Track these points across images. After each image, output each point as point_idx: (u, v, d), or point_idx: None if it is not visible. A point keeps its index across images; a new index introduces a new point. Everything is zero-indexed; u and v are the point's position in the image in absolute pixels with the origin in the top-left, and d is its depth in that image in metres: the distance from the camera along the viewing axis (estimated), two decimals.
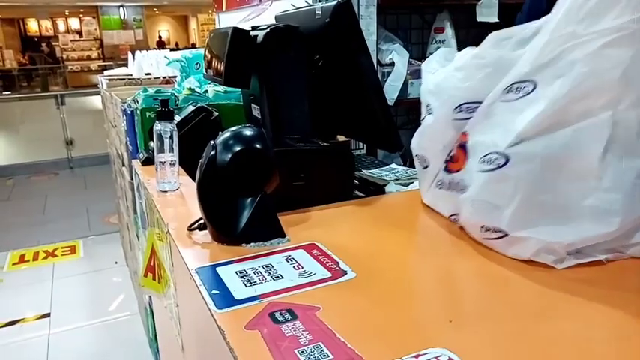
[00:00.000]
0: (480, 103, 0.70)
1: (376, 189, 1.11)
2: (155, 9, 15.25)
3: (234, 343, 0.52)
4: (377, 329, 0.54)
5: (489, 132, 0.67)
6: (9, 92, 10.32)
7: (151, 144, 1.36)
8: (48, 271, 3.23)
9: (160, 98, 1.28)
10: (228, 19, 3.44)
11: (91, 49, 13.90)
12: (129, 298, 2.76)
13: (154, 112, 1.38)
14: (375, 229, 0.84)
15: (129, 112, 1.70)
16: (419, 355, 0.48)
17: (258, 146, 0.78)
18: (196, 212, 0.85)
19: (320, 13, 1.06)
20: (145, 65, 3.11)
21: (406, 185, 1.11)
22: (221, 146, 0.77)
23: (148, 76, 3.04)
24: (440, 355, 0.48)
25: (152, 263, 1.13)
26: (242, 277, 0.67)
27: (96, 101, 6.08)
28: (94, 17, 14.23)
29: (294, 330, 0.54)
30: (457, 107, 0.72)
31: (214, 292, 0.63)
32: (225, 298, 0.62)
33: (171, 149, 1.08)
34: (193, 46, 15.88)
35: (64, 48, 13.52)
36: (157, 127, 1.07)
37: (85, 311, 2.74)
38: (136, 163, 1.35)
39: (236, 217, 0.76)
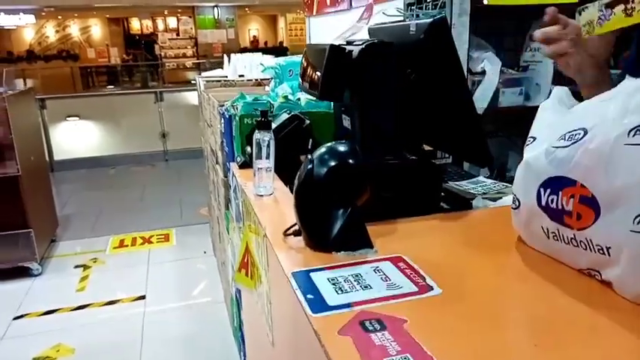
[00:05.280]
0: (582, 130, 0.66)
1: (463, 202, 1.12)
2: (247, 9, 15.82)
3: (329, 347, 0.57)
4: (462, 347, 0.57)
5: (630, 185, 0.59)
6: (112, 87, 11.21)
7: (248, 149, 1.46)
8: (144, 257, 3.51)
9: (259, 109, 1.37)
10: (319, 23, 3.54)
11: (186, 47, 14.71)
12: (215, 287, 2.94)
13: (252, 118, 1.48)
14: (463, 246, 0.86)
15: (227, 116, 1.82)
16: None
17: (351, 161, 0.83)
18: (289, 216, 0.92)
19: (414, 29, 1.08)
20: (239, 67, 3.27)
21: (494, 200, 1.11)
22: (317, 160, 0.83)
23: (242, 79, 3.20)
24: None
25: (246, 260, 1.22)
26: (334, 284, 0.72)
27: (190, 97, 6.48)
28: (190, 17, 15.03)
29: (383, 340, 0.58)
30: (560, 137, 0.69)
31: (309, 296, 0.69)
32: (319, 303, 0.67)
33: (268, 156, 1.16)
34: (281, 44, 16.31)
35: (163, 46, 14.43)
36: (257, 135, 1.15)
37: (176, 296, 2.95)
38: (234, 166, 1.45)
39: (328, 227, 0.82)
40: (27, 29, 15.07)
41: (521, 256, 0.80)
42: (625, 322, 0.60)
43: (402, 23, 1.18)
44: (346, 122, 1.25)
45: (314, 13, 3.57)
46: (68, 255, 3.56)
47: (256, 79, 3.08)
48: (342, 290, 0.70)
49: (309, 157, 0.85)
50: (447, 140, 1.21)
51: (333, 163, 0.82)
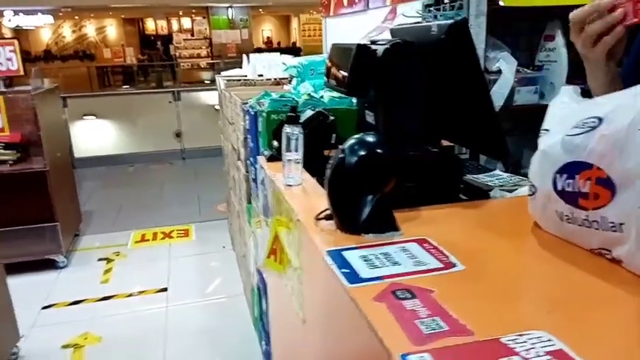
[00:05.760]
0: (597, 118, 0.73)
1: (481, 193, 1.19)
2: (260, 9, 15.95)
3: (366, 311, 0.65)
4: (484, 313, 0.64)
5: None
6: (128, 86, 11.38)
7: (275, 143, 1.54)
8: (165, 251, 3.61)
9: (288, 105, 1.46)
10: (335, 24, 3.61)
11: (200, 48, 14.86)
12: (235, 280, 3.03)
13: (278, 114, 1.56)
14: (482, 230, 0.93)
15: (252, 113, 1.90)
16: (522, 334, 0.57)
17: (379, 152, 0.90)
18: (318, 204, 1.00)
19: (435, 30, 1.15)
20: (258, 67, 3.36)
21: (510, 191, 1.17)
22: (349, 150, 0.90)
23: (261, 78, 3.28)
24: (541, 336, 0.57)
25: (275, 247, 1.30)
26: (365, 261, 0.79)
27: (206, 97, 6.60)
28: (204, 17, 15.19)
29: (414, 306, 0.65)
30: (574, 125, 0.76)
31: (344, 270, 0.76)
32: (353, 277, 0.75)
33: (297, 149, 1.24)
34: (294, 45, 16.41)
35: (177, 46, 14.59)
36: (287, 129, 1.23)
37: (197, 289, 3.04)
38: (262, 160, 1.53)
39: (358, 211, 0.89)
40: (44, 29, 15.33)
41: (536, 239, 0.87)
42: (635, 292, 0.67)
43: (423, 24, 1.24)
44: (370, 118, 1.32)
45: (331, 13, 3.65)
46: (91, 248, 3.67)
47: (275, 79, 3.17)
48: (373, 266, 0.77)
49: (341, 147, 0.93)
50: (465, 135, 1.28)
51: (363, 153, 0.89)
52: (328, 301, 0.85)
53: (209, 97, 6.54)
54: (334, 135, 1.53)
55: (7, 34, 12.68)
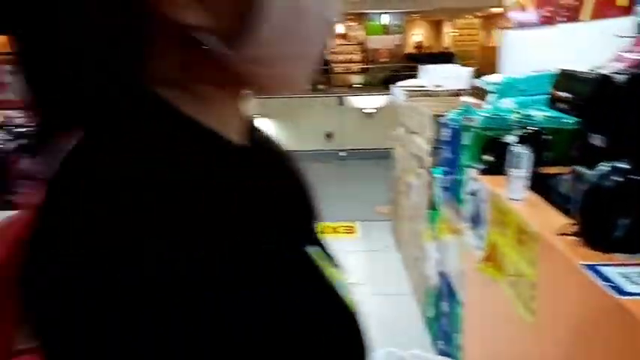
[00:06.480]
0: None
1: None
2: (415, 15, 15.99)
3: None
4: None
5: None
6: None
7: (486, 157, 1.66)
8: (334, 244, 3.90)
9: (503, 122, 1.57)
10: (518, 38, 3.57)
11: (352, 53, 15.37)
12: (401, 280, 3.19)
13: (493, 131, 1.68)
14: None
15: (452, 126, 2.04)
16: None
17: (635, 178, 0.98)
18: (548, 218, 1.11)
19: None
20: (436, 78, 3.48)
21: None
22: (605, 176, 0.99)
23: (439, 89, 3.41)
24: None
25: (491, 254, 1.42)
26: (625, 277, 0.88)
27: (361, 101, 6.96)
28: (359, 23, 15.67)
29: None
30: None
31: (607, 284, 0.86)
32: (618, 290, 0.84)
33: (524, 167, 1.34)
34: (447, 50, 16.15)
35: (332, 51, 15.25)
36: (517, 148, 1.34)
37: (365, 283, 3.26)
38: (474, 172, 1.66)
39: (612, 231, 0.98)
40: None
41: None
42: None
43: None
44: (595, 140, 1.38)
45: (514, 26, 3.62)
46: None
47: (453, 90, 3.27)
48: (635, 283, 0.86)
49: (594, 172, 1.02)
50: None
51: (620, 179, 0.98)
52: (582, 309, 0.95)
53: (362, 102, 6.92)
54: (546, 153, 1.60)
55: None
